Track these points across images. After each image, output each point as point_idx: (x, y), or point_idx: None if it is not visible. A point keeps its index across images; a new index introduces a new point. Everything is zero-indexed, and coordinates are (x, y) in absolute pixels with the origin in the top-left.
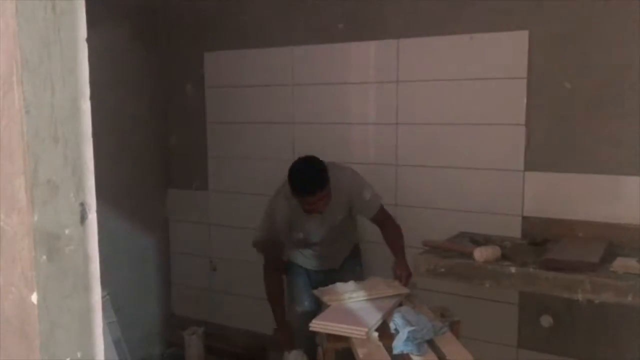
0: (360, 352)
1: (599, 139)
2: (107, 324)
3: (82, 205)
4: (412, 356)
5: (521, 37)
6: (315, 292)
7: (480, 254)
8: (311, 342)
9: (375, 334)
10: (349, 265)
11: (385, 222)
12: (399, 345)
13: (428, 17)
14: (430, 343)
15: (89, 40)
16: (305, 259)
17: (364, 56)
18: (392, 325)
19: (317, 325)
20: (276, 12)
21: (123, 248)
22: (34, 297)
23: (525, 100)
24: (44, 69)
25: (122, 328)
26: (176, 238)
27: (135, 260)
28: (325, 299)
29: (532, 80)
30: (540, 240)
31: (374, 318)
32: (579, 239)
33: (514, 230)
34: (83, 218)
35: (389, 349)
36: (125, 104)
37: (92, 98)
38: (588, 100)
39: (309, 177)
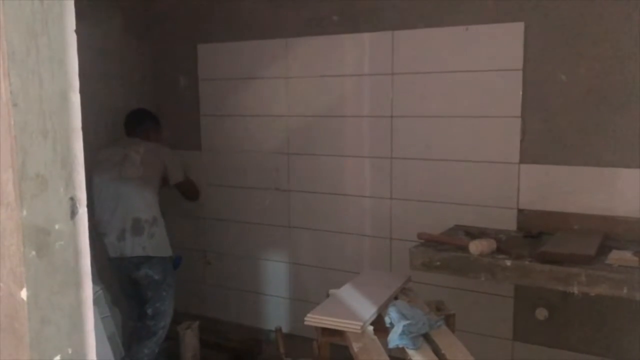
0: (355, 346)
1: (595, 131)
2: (101, 319)
3: (72, 199)
4: (407, 350)
5: (517, 29)
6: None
7: (476, 247)
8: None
9: (371, 328)
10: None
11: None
12: (394, 339)
13: (423, 8)
14: (426, 337)
15: (79, 31)
16: None
17: (359, 48)
18: (387, 319)
19: (312, 319)
20: (270, 3)
21: None
22: (24, 293)
23: (520, 92)
24: (32, 61)
25: (116, 323)
26: (170, 232)
27: None
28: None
29: (528, 72)
30: (536, 233)
31: (369, 312)
32: (575, 231)
33: (510, 223)
34: (73, 213)
35: (384, 343)
36: (117, 97)
37: (82, 91)
38: (584, 92)
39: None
